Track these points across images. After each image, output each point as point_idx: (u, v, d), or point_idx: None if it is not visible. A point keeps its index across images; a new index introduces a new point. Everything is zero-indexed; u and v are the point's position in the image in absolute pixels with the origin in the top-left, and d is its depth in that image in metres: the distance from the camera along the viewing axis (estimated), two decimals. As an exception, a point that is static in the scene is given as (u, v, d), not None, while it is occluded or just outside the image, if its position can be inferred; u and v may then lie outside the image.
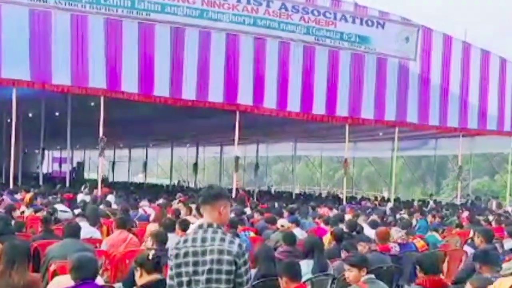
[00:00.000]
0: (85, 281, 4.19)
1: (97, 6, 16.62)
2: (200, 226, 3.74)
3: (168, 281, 3.65)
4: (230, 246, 3.55)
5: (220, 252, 3.54)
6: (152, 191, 25.52)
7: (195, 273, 3.54)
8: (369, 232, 9.45)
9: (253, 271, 5.94)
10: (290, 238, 7.52)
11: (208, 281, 3.52)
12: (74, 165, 41.38)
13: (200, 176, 40.41)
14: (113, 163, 41.87)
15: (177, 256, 3.60)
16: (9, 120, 18.32)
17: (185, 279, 3.55)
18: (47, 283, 5.93)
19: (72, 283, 4.28)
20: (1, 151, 25.71)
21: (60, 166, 41.66)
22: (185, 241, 3.67)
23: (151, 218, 11.12)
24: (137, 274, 4.40)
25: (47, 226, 7.97)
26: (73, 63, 16.45)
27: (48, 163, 42.90)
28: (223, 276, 3.52)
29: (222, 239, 3.58)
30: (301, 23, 19.41)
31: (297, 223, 10.00)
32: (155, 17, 17.38)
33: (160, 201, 15.78)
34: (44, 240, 7.59)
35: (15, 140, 16.86)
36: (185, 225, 8.83)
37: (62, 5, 16.23)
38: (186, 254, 3.57)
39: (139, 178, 46.00)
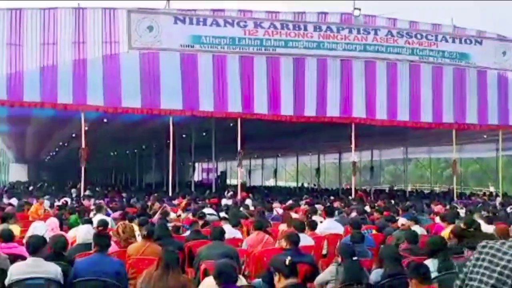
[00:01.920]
0: (226, 286, 3.85)
1: (233, 47, 17.01)
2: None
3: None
4: None
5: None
6: (282, 193, 25.31)
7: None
8: (485, 228, 8.31)
9: (379, 271, 5.32)
10: (413, 237, 6.76)
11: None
12: (219, 173, 42.35)
13: (322, 178, 39.73)
14: (249, 171, 42.43)
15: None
16: (168, 141, 19.03)
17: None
18: (199, 281, 5.72)
19: (217, 285, 3.96)
20: (162, 165, 26.89)
21: (208, 175, 42.96)
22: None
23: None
24: (276, 278, 3.97)
25: (195, 228, 7.81)
26: (215, 93, 16.84)
27: (198, 172, 44.38)
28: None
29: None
30: (406, 45, 18.87)
31: (416, 221, 9.05)
32: (280, 51, 17.50)
33: (289, 202, 15.37)
34: (195, 241, 7.46)
35: (172, 156, 17.47)
36: (314, 225, 8.38)
37: (205, 48, 16.80)
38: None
39: (270, 182, 46.18)
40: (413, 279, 4.31)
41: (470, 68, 19.56)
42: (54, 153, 39.05)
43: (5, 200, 13.03)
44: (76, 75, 15.38)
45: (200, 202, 14.28)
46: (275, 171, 39.82)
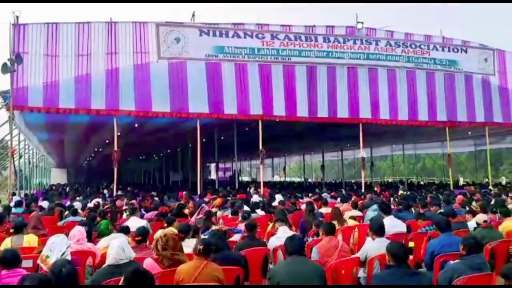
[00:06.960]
0: None
1: (253, 56, 14.92)
2: None
3: None
4: None
5: None
6: (291, 188, 22.53)
7: None
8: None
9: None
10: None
11: None
12: (232, 173, 39.60)
13: (316, 174, 36.92)
14: (259, 168, 39.61)
15: None
16: (189, 144, 16.33)
17: None
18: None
19: None
20: (186, 165, 24.18)
21: (224, 173, 40.19)
22: None
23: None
24: None
25: (251, 233, 5.19)
26: (238, 98, 14.63)
27: (211, 172, 41.57)
28: None
29: None
30: (403, 54, 17.01)
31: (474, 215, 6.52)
32: (294, 59, 15.52)
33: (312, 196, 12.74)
34: (250, 249, 4.88)
35: (200, 156, 14.80)
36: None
37: (228, 57, 14.63)
38: None
39: (274, 179, 43.27)
40: None
41: (458, 73, 17.72)
42: (90, 158, 36.00)
43: (39, 203, 10.17)
44: (109, 83, 12.89)
45: (229, 198, 11.64)
46: (284, 168, 36.80)
